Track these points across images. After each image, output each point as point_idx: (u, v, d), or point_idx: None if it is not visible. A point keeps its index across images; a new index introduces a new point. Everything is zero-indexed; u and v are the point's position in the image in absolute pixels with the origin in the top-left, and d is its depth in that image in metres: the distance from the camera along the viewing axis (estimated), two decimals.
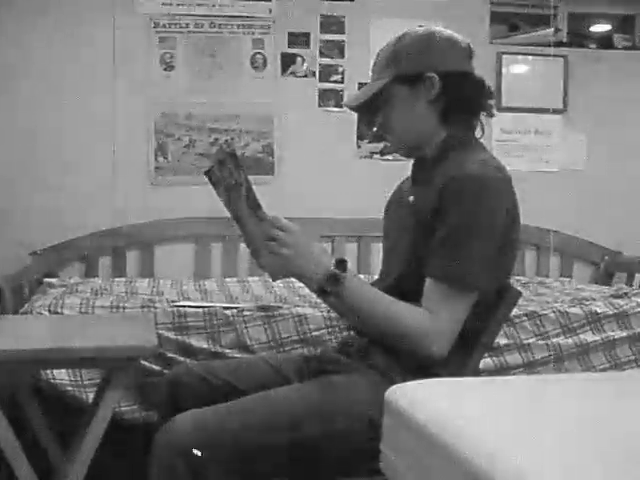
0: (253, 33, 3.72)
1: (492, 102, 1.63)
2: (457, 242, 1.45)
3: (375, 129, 1.67)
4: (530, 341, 2.55)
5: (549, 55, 3.96)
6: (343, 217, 3.75)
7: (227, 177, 1.46)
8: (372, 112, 1.64)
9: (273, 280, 1.56)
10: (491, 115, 1.64)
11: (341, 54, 3.80)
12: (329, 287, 1.45)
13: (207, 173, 1.50)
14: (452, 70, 1.57)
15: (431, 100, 1.57)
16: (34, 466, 1.70)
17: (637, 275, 3.71)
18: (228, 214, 1.54)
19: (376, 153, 3.80)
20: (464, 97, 1.59)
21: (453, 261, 1.45)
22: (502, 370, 2.48)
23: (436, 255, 1.47)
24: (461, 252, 1.45)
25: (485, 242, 1.46)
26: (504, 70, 3.93)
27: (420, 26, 1.62)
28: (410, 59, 1.58)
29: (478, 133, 1.64)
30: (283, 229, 1.44)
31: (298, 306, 2.53)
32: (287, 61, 3.76)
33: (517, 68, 3.98)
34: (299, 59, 3.77)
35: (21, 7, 3.50)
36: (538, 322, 2.59)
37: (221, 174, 1.47)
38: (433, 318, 1.44)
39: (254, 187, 1.45)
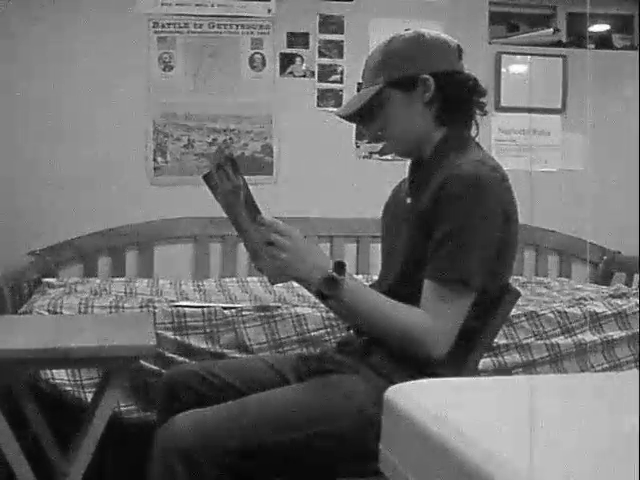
0: (252, 33, 3.72)
1: (485, 100, 1.63)
2: (454, 243, 1.45)
3: (372, 134, 1.68)
4: (529, 341, 2.55)
5: (548, 55, 3.97)
6: (342, 217, 3.75)
7: (225, 181, 1.46)
8: (365, 119, 1.64)
9: (272, 284, 1.57)
10: (484, 113, 1.64)
11: (340, 54, 3.80)
12: (327, 291, 1.44)
13: (205, 177, 1.51)
14: (444, 70, 1.58)
15: (426, 102, 1.58)
16: (34, 466, 1.70)
17: (636, 275, 3.71)
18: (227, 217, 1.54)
19: (375, 153, 3.80)
20: (458, 96, 1.59)
21: (451, 262, 1.45)
22: (501, 370, 2.48)
23: (434, 256, 1.47)
24: (459, 253, 1.45)
25: (482, 242, 1.46)
26: (503, 70, 3.93)
27: (407, 30, 1.62)
28: (402, 63, 1.57)
29: (473, 132, 1.64)
30: (282, 233, 1.43)
31: (297, 306, 2.53)
32: (286, 61, 3.76)
33: (516, 68, 3.98)
34: (298, 59, 3.77)
35: (19, 7, 3.50)
36: (537, 322, 2.59)
37: (219, 178, 1.47)
38: (432, 319, 1.45)
39: (252, 191, 1.45)
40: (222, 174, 1.46)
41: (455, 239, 1.45)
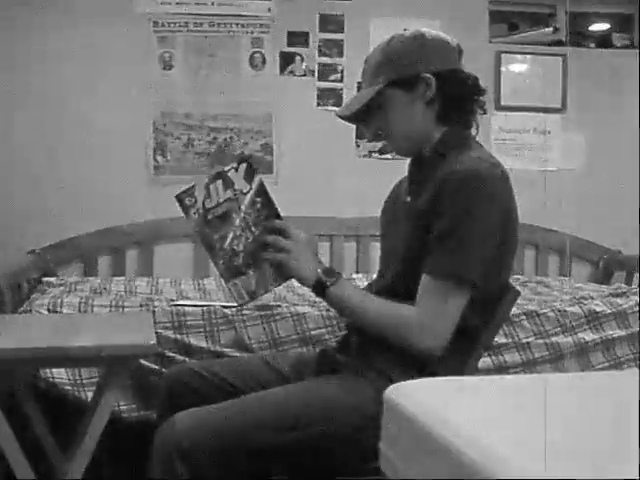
0: (252, 32, 3.72)
1: (485, 99, 1.64)
2: (453, 239, 1.45)
3: (373, 133, 1.68)
4: (529, 340, 2.55)
5: (548, 54, 3.97)
6: (342, 216, 3.75)
7: (216, 194, 1.48)
8: (366, 119, 1.64)
9: (239, 305, 1.60)
10: (484, 112, 1.64)
11: (340, 53, 3.80)
12: (326, 280, 1.50)
13: (180, 195, 1.52)
14: (446, 69, 1.58)
15: (427, 101, 1.58)
16: (34, 466, 1.70)
17: (636, 274, 3.71)
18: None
19: (375, 152, 3.80)
20: (459, 95, 1.59)
21: (448, 257, 1.45)
22: (501, 369, 2.48)
23: (432, 251, 1.47)
24: (457, 248, 1.45)
25: (481, 239, 1.46)
26: (503, 69, 3.93)
27: (406, 29, 1.62)
28: (403, 62, 1.57)
29: (473, 131, 1.64)
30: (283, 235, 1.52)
31: (297, 305, 2.53)
32: (286, 60, 3.76)
33: (516, 67, 3.98)
34: (298, 58, 3.77)
35: (19, 6, 3.50)
36: (537, 321, 2.59)
37: (207, 192, 1.48)
38: (422, 312, 1.45)
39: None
40: (216, 186, 1.47)
41: (454, 235, 1.45)
